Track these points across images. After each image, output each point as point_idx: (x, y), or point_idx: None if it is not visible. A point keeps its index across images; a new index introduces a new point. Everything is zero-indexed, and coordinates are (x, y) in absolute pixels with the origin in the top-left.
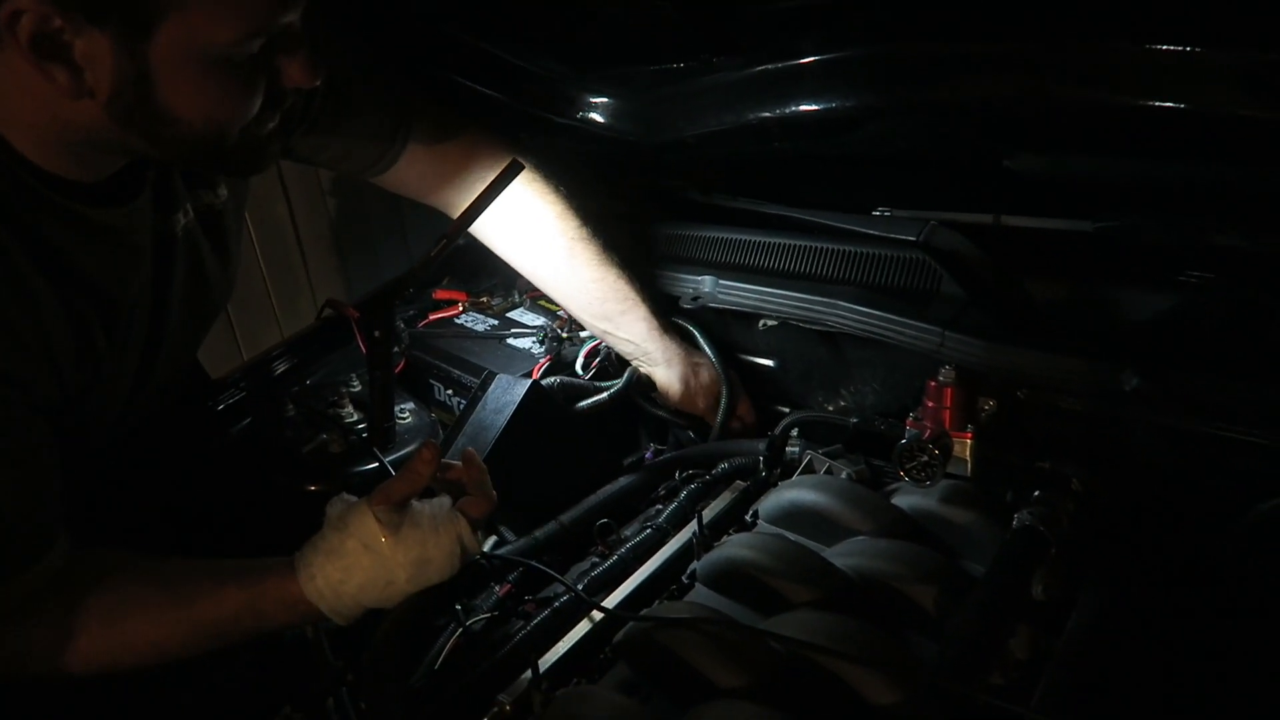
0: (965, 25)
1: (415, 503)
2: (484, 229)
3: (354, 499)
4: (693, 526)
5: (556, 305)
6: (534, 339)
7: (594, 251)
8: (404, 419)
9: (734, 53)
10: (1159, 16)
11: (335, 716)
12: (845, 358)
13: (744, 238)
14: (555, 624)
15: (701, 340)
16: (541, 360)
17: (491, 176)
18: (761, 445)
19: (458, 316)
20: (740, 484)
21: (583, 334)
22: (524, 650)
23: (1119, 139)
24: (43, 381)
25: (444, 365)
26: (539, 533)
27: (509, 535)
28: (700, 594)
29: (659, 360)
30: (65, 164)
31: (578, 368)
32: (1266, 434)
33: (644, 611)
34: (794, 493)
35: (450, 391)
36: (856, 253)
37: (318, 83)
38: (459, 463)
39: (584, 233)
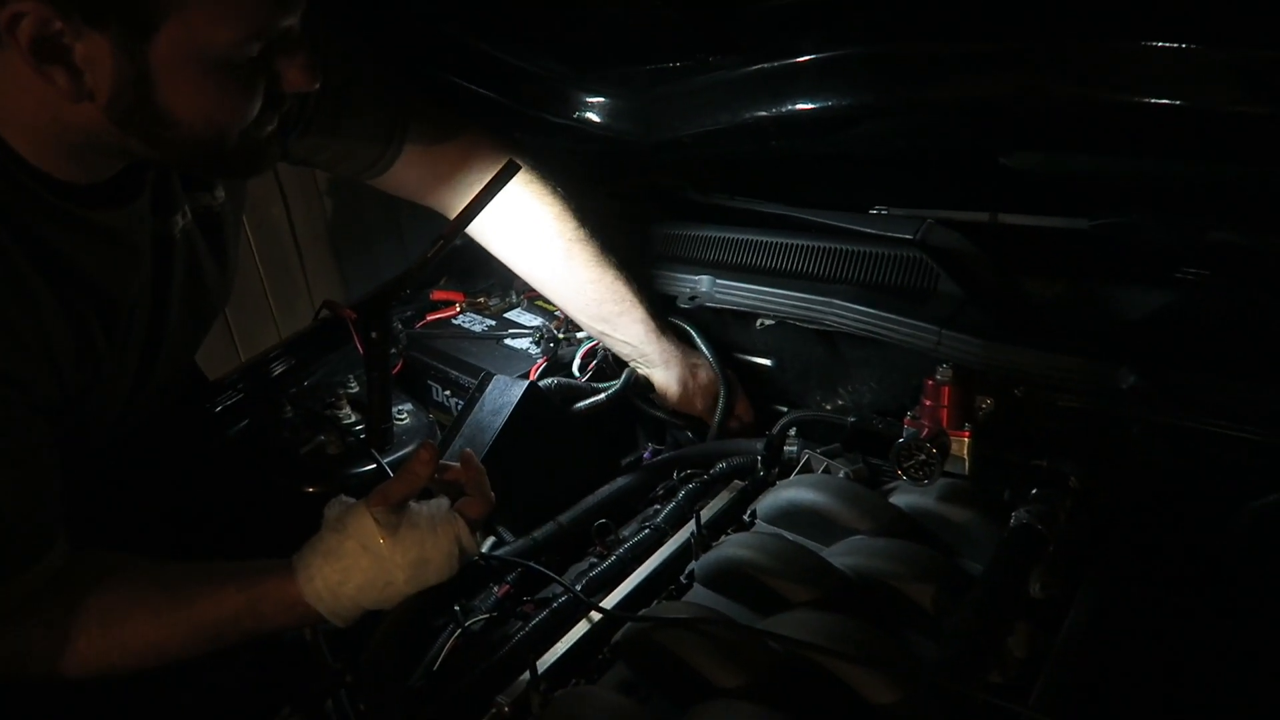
0: (962, 23)
1: (413, 504)
2: (482, 230)
3: (352, 500)
4: (691, 526)
5: (554, 306)
6: (531, 339)
7: (591, 253)
8: (401, 420)
9: (731, 52)
10: (1156, 14)
11: (334, 718)
12: (843, 357)
13: (741, 237)
14: (554, 624)
15: (699, 340)
16: (538, 361)
17: (489, 177)
18: (759, 445)
19: (455, 317)
20: (738, 483)
21: (580, 335)
22: (522, 651)
23: (1115, 137)
24: (43, 382)
25: (441, 366)
26: (537, 533)
27: (507, 536)
28: (698, 594)
29: (657, 362)
30: (64, 166)
31: (575, 369)
32: (1262, 431)
33: (642, 612)
34: (792, 492)
35: (448, 392)
36: (854, 251)
37: (317, 86)
38: (457, 464)
39: (581, 234)
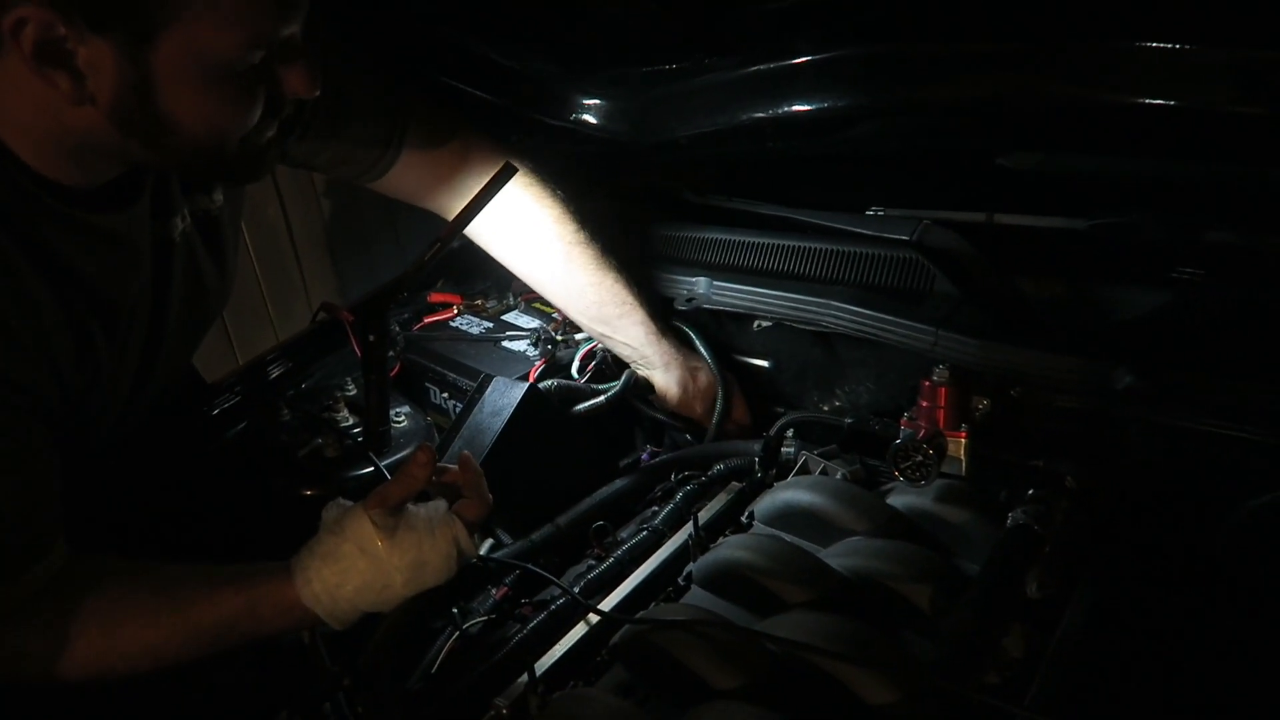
0: (958, 24)
1: (411, 506)
2: (481, 233)
3: (350, 503)
4: (689, 528)
5: (551, 307)
6: (529, 341)
7: (591, 255)
8: (399, 423)
9: (727, 53)
10: (1152, 14)
11: None
12: (840, 358)
13: (738, 238)
14: (552, 627)
15: (699, 344)
16: (537, 363)
17: (486, 180)
18: (757, 446)
19: (452, 320)
20: (736, 485)
21: (578, 336)
22: (520, 653)
23: (1112, 137)
24: (43, 384)
25: (439, 368)
26: (535, 535)
27: (505, 538)
28: (696, 596)
29: (657, 364)
30: (64, 169)
31: (574, 371)
32: (1259, 431)
33: (640, 614)
34: (789, 493)
35: (446, 394)
36: (850, 252)
37: (317, 92)
38: (454, 466)
39: (581, 236)
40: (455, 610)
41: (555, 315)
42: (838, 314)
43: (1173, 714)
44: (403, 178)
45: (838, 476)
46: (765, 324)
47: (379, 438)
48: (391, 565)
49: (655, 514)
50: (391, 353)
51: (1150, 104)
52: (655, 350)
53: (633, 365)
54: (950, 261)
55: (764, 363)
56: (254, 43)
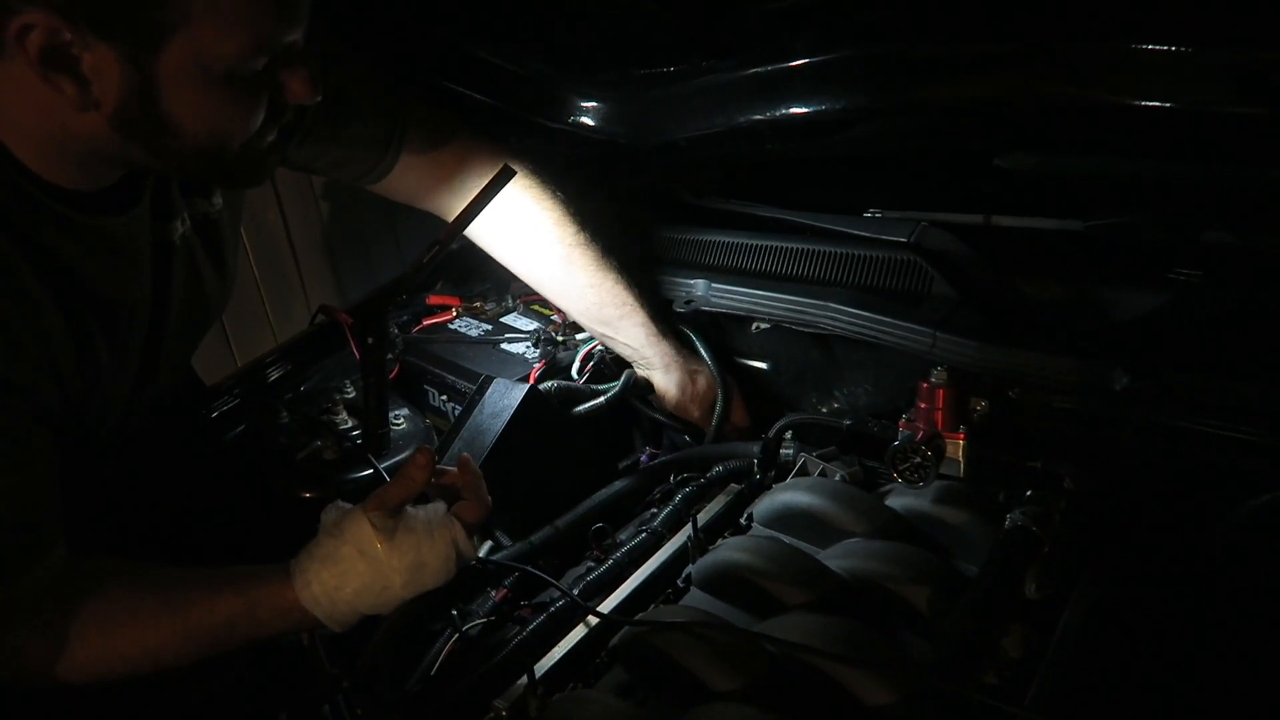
0: (957, 24)
1: (410, 508)
2: (482, 235)
3: (349, 505)
4: (688, 530)
5: (550, 309)
6: (528, 343)
7: (592, 256)
8: (398, 425)
9: (725, 55)
10: (1152, 15)
11: None
12: (838, 360)
13: (736, 240)
14: (551, 628)
15: (700, 346)
16: (536, 365)
17: (486, 182)
18: (756, 448)
19: (451, 322)
20: (735, 487)
21: (578, 337)
22: (520, 655)
23: (1110, 138)
24: (43, 387)
25: (438, 371)
26: (535, 537)
27: (504, 540)
28: (695, 597)
29: (657, 365)
30: (65, 172)
31: (573, 372)
32: (1257, 431)
33: (639, 615)
34: (788, 495)
35: (444, 397)
36: (848, 254)
37: (319, 98)
38: (454, 468)
39: (582, 238)
40: (454, 612)
41: (554, 317)
42: (836, 316)
43: (1172, 714)
44: (402, 180)
45: (836, 478)
46: (764, 326)
47: (378, 440)
48: (391, 567)
49: (654, 516)
50: (390, 355)
51: (1150, 105)
52: (655, 351)
53: (634, 365)
54: (948, 263)
55: (762, 365)
56: (257, 49)
